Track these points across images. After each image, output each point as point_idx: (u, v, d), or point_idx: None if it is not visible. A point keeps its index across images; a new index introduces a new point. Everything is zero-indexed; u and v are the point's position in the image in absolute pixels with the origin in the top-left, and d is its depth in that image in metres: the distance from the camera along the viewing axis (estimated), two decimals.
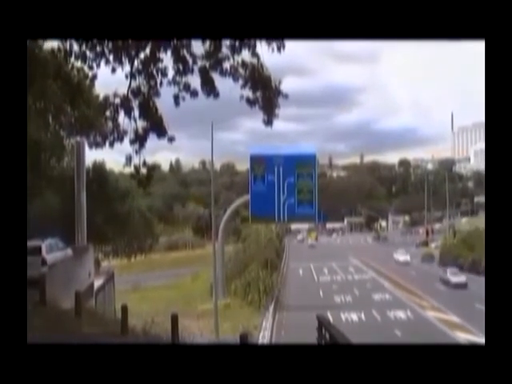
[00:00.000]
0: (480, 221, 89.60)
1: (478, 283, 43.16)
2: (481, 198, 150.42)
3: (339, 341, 8.11)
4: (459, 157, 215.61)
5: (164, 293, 44.45)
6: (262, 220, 38.16)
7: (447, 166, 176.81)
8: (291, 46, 11.83)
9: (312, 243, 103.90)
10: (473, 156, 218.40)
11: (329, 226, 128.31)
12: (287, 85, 12.44)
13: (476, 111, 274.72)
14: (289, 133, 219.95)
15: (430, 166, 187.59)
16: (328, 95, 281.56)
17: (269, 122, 11.90)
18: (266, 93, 11.74)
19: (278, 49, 12.16)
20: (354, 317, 31.82)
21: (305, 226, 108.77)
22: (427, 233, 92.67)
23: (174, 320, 10.59)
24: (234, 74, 11.57)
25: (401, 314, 32.16)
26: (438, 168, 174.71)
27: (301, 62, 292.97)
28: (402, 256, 65.81)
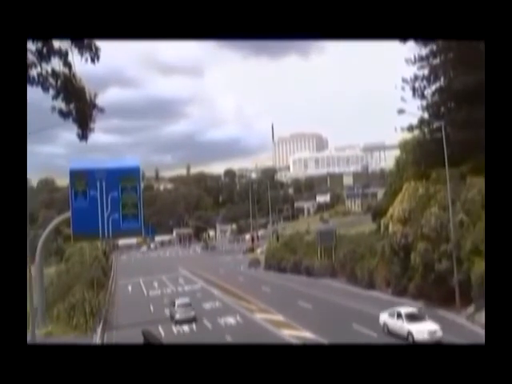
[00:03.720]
0: (299, 224, 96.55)
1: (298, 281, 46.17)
2: (300, 203, 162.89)
3: None
4: (280, 165, 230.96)
5: None
6: (86, 237, 36.30)
7: (269, 174, 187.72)
8: (109, 57, 11.48)
9: (143, 250, 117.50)
10: (292, 164, 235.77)
11: (157, 238, 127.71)
12: (110, 96, 12.13)
13: (293, 123, 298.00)
14: (113, 145, 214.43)
15: (253, 175, 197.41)
16: (153, 107, 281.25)
17: (83, 136, 11.31)
18: (79, 105, 11.17)
19: (92, 60, 11.64)
20: (186, 328, 31.85)
21: (133, 240, 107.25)
22: (252, 239, 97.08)
23: None
24: (43, 83, 10.80)
25: (231, 320, 33.01)
26: (261, 177, 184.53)
27: (123, 73, 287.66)
28: (426, 327, 24.80)
